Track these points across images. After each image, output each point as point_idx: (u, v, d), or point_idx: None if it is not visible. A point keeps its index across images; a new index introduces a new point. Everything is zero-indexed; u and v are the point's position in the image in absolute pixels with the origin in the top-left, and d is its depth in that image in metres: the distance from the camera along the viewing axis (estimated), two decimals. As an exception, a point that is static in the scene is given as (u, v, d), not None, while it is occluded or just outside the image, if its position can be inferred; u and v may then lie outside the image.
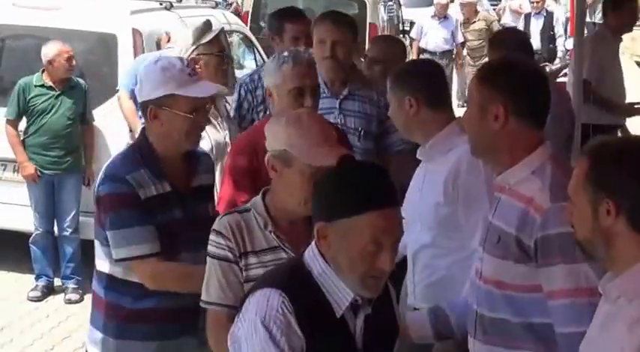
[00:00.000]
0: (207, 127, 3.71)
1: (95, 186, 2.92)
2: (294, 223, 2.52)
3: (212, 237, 2.51)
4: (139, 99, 2.92)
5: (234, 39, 8.08)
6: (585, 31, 6.86)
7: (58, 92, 5.94)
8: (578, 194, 2.02)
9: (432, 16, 12.06)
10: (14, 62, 6.72)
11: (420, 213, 3.10)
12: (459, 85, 12.13)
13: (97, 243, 2.94)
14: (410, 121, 3.13)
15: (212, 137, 3.96)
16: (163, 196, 2.85)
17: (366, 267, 2.01)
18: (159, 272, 2.84)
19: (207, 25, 4.22)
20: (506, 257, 2.46)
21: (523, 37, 5.47)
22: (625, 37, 6.01)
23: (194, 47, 4.08)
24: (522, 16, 12.79)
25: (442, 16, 11.97)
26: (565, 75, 10.00)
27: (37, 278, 6.03)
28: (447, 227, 3.04)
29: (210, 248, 2.52)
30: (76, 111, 6.01)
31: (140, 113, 3.03)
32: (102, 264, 2.94)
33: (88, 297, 5.96)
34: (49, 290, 6.05)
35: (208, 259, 2.52)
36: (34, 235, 6.00)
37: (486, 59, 10.73)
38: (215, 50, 4.09)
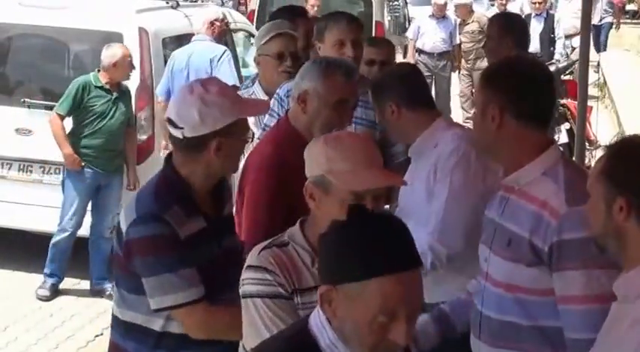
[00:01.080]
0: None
1: (123, 228, 2.55)
2: None
3: (250, 273, 2.21)
4: (189, 134, 2.51)
5: (240, 37, 8.08)
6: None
7: (115, 95, 5.95)
8: (594, 188, 2.03)
9: (430, 16, 11.64)
10: (20, 61, 6.72)
11: (411, 208, 3.13)
12: (460, 86, 11.90)
13: (120, 293, 2.63)
14: (396, 126, 3.24)
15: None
16: (200, 232, 2.55)
17: (375, 341, 1.66)
18: (209, 320, 2.53)
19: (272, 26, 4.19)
20: (518, 260, 2.45)
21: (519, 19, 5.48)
22: (631, 34, 6.00)
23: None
24: (523, 17, 12.66)
25: (440, 16, 11.56)
26: (571, 73, 10.00)
27: (50, 276, 6.03)
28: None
29: (249, 288, 2.21)
30: (127, 115, 6.04)
31: (183, 150, 2.58)
32: (131, 316, 2.61)
33: (90, 293, 5.99)
34: (57, 290, 6.05)
35: (246, 301, 2.21)
36: (59, 237, 5.97)
37: (479, 62, 10.73)
38: (274, 50, 4.07)
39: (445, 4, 11.60)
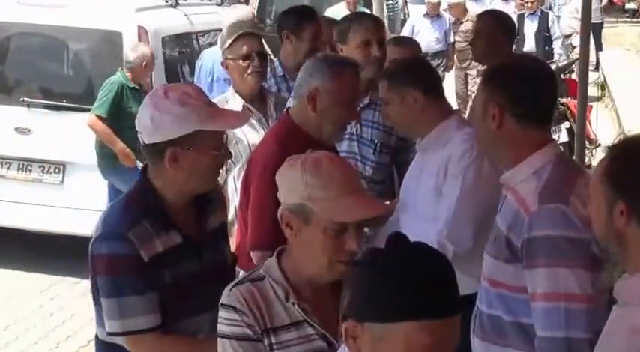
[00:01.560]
0: (244, 127, 3.60)
1: (91, 241, 2.46)
2: (319, 290, 2.10)
3: (222, 313, 2.09)
4: (146, 140, 2.40)
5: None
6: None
7: (143, 94, 5.96)
8: (596, 191, 2.01)
9: (424, 15, 11.52)
10: (20, 60, 6.71)
11: (415, 202, 3.13)
12: (455, 86, 11.75)
13: (95, 307, 2.53)
14: (415, 116, 3.15)
15: (249, 139, 3.83)
16: (173, 250, 2.40)
17: None
18: (158, 351, 2.44)
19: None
20: (498, 256, 2.49)
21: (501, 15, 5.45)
22: (631, 33, 6.03)
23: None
24: (516, 16, 12.11)
25: (434, 14, 11.39)
26: (571, 71, 9.99)
27: None
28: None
29: (220, 327, 2.10)
30: None
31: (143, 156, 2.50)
32: (101, 332, 2.53)
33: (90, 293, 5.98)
34: None
35: (220, 341, 2.10)
36: None
37: (473, 62, 10.68)
38: (239, 52, 4.01)
39: (439, 2, 11.44)
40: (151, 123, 2.35)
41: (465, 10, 11.45)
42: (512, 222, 2.43)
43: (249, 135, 3.86)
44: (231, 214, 3.59)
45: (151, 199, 2.41)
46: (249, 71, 4.01)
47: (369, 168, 3.68)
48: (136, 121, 2.43)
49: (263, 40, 4.28)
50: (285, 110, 3.34)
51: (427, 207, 3.07)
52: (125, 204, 2.44)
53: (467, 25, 11.09)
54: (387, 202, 3.45)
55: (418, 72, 3.21)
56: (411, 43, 4.57)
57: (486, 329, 2.55)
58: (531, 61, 3.19)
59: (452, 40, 11.40)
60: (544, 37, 11.26)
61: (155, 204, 2.41)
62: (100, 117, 5.93)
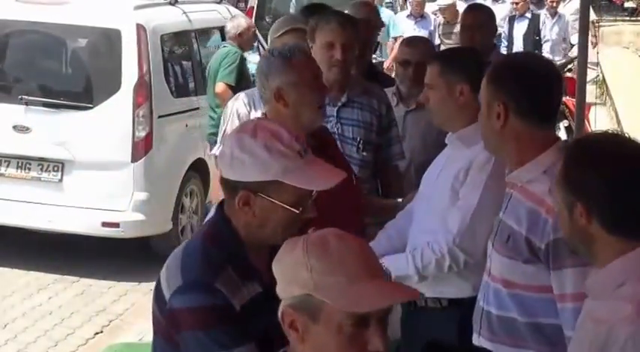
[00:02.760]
0: None
1: (164, 291, 2.13)
2: None
3: None
4: (224, 175, 2.14)
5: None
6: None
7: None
8: (557, 195, 2.03)
9: (408, 16, 11.18)
10: (18, 58, 6.71)
11: (431, 195, 3.09)
12: None
13: None
14: (456, 109, 3.08)
15: None
16: (255, 300, 2.11)
17: None
18: None
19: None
20: (515, 257, 2.45)
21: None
22: (630, 31, 6.01)
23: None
24: (506, 19, 11.61)
25: (419, 15, 10.99)
26: (570, 70, 9.98)
27: None
28: None
29: None
30: None
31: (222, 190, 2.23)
32: None
33: (89, 291, 5.97)
34: None
35: None
36: None
37: None
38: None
39: (423, 1, 11.03)
40: (230, 160, 2.10)
41: (457, 12, 10.85)
42: (532, 223, 2.41)
43: None
44: None
45: (231, 241, 2.13)
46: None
47: (355, 166, 3.65)
48: (217, 149, 2.28)
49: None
50: (262, 115, 3.31)
51: (439, 203, 3.03)
52: (204, 250, 2.12)
53: (459, 28, 10.75)
54: (400, 200, 3.44)
55: (472, 65, 3.11)
56: (422, 43, 4.48)
57: (495, 330, 2.53)
58: (536, 58, 3.19)
59: (437, 42, 10.96)
60: (533, 40, 10.89)
61: (235, 247, 2.12)
62: (229, 86, 6.26)
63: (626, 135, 2.12)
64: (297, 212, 2.08)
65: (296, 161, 2.08)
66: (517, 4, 10.93)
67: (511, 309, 2.49)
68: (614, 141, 2.02)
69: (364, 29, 4.33)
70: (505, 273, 2.50)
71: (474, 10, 5.70)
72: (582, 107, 6.10)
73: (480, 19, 5.17)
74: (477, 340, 2.60)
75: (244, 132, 2.12)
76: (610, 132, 2.11)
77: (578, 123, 6.15)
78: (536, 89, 2.51)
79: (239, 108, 4.06)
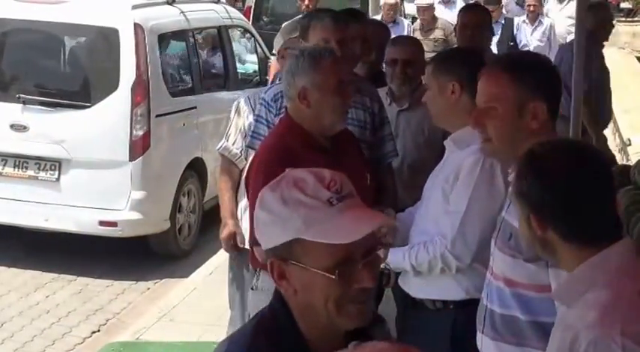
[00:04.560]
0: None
1: None
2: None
3: None
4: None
5: (236, 34, 8.06)
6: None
7: None
8: (515, 204, 2.06)
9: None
10: (16, 57, 6.69)
11: (429, 197, 3.11)
12: None
13: None
14: (449, 107, 3.07)
15: None
16: None
17: None
18: None
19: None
20: (517, 255, 2.46)
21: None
22: (625, 32, 6.00)
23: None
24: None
25: (391, 20, 10.20)
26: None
27: None
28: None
29: None
30: None
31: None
32: None
33: (86, 290, 5.97)
34: None
35: None
36: None
37: None
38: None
39: (396, 3, 10.27)
40: (256, 224, 1.73)
41: (435, 17, 10.07)
42: None
43: None
44: (246, 198, 3.71)
45: (286, 327, 1.71)
46: None
47: None
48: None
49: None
50: (285, 110, 3.35)
51: (434, 206, 3.05)
52: (253, 332, 1.73)
53: (437, 33, 9.83)
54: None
55: (464, 63, 3.10)
56: (410, 44, 4.49)
57: (499, 329, 2.54)
58: (538, 56, 3.20)
59: None
60: (508, 47, 10.32)
61: (289, 336, 1.70)
62: None
63: (583, 142, 2.13)
64: (334, 278, 1.62)
65: (323, 211, 1.64)
66: (492, 11, 10.06)
67: (513, 308, 2.50)
68: (566, 152, 2.03)
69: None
70: (507, 272, 2.51)
71: (472, 9, 5.72)
72: (579, 107, 6.12)
73: (478, 19, 5.19)
74: (480, 339, 2.61)
75: (267, 187, 1.72)
76: (566, 139, 2.11)
77: (574, 123, 6.17)
78: (555, 86, 2.53)
79: (244, 110, 4.14)
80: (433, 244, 2.98)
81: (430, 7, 10.05)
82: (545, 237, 1.97)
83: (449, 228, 2.96)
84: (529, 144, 2.17)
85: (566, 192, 1.93)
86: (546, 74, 2.54)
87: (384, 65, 4.43)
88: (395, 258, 3.02)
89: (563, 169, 1.95)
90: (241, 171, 4.15)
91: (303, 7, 8.48)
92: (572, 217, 1.93)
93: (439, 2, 11.06)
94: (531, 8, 10.83)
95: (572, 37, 11.54)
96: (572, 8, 10.98)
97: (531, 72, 2.49)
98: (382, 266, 1.96)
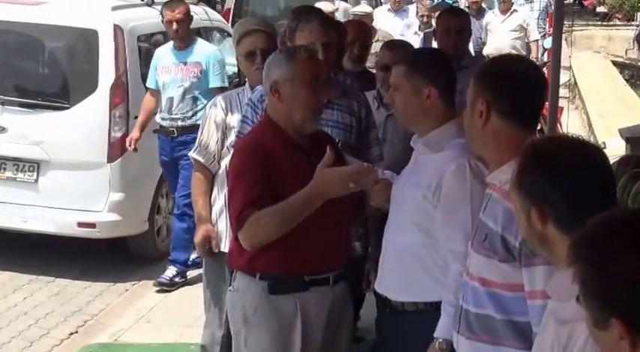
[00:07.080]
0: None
1: None
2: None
3: None
4: None
5: (216, 35, 8.06)
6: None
7: None
8: (512, 198, 2.08)
9: (388, 10, 10.65)
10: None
11: (402, 200, 3.08)
12: None
13: None
14: (422, 111, 3.06)
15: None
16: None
17: None
18: None
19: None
20: (491, 255, 2.50)
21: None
22: (601, 36, 6.09)
23: None
24: (421, 35, 9.99)
25: (400, 9, 10.52)
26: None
27: None
28: (423, 221, 3.01)
29: None
30: None
31: None
32: None
33: (64, 292, 5.95)
34: None
35: None
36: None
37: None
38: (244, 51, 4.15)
39: (332, 13, 9.03)
40: None
41: (372, 28, 7.14)
42: (506, 222, 2.44)
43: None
44: (221, 202, 3.92)
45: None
46: (253, 68, 4.04)
47: None
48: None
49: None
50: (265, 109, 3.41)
51: (408, 211, 3.04)
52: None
53: (376, 46, 7.37)
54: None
55: (441, 67, 3.11)
56: (402, 47, 4.49)
57: (474, 329, 2.57)
58: (522, 60, 3.25)
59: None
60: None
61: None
62: None
63: (583, 137, 2.18)
64: None
65: None
66: (425, 16, 10.03)
67: (488, 307, 2.53)
68: (568, 146, 2.06)
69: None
70: (483, 272, 2.54)
71: (453, 13, 5.74)
72: (555, 110, 6.20)
73: (459, 23, 5.23)
74: (456, 339, 2.64)
75: None
76: (566, 135, 2.15)
77: (550, 125, 6.24)
78: (518, 90, 2.55)
79: (217, 115, 4.15)
80: (449, 265, 2.91)
81: (367, 16, 8.86)
82: (544, 232, 1.99)
83: (460, 240, 2.83)
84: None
85: (571, 186, 1.96)
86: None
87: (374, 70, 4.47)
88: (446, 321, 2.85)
89: (568, 164, 1.99)
90: (214, 175, 4.17)
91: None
92: (575, 213, 1.94)
93: (388, 10, 10.80)
94: (474, 5, 10.98)
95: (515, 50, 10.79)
96: (514, 21, 10.60)
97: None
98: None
